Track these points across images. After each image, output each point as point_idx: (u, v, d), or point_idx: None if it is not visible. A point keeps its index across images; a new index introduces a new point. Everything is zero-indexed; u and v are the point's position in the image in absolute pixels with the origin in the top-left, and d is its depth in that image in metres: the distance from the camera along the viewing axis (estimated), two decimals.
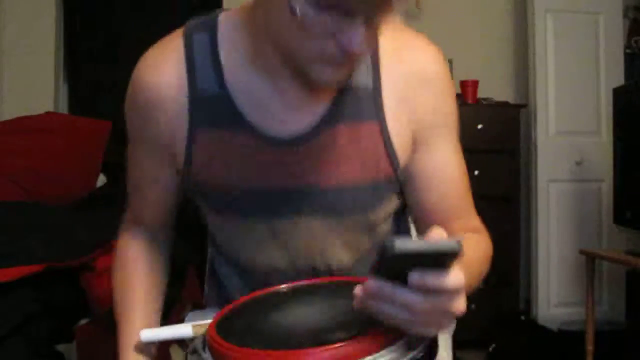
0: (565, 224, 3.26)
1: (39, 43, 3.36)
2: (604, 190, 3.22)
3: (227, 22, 0.85)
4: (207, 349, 0.69)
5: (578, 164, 3.25)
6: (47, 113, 2.83)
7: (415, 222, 0.95)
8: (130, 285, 0.95)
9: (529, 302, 3.36)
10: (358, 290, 0.59)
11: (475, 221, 0.92)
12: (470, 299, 0.64)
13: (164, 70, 0.84)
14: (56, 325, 1.74)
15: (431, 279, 0.55)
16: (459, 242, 0.54)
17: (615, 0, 3.33)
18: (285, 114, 0.83)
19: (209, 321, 0.88)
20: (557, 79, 3.28)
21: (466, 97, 3.23)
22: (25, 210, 2.03)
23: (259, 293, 0.82)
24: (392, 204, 0.93)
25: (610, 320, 3.10)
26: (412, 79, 0.85)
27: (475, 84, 3.25)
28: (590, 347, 2.58)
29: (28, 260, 1.66)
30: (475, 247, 0.83)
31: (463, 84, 3.24)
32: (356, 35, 0.68)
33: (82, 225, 2.02)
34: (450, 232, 0.89)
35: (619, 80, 3.25)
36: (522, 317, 3.30)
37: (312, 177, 0.84)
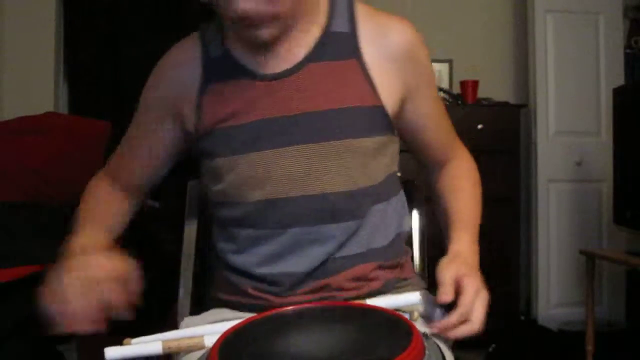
0: (565, 224, 3.26)
1: (39, 43, 3.35)
2: (604, 190, 3.23)
3: None
4: None
5: (578, 164, 3.25)
6: (47, 113, 2.82)
7: (417, 160, 1.17)
8: (93, 205, 1.13)
9: (529, 302, 3.36)
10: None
11: (461, 151, 1.16)
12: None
13: (183, 46, 1.07)
14: None
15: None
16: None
17: (615, 0, 3.33)
18: (273, 58, 0.99)
19: (182, 335, 0.88)
20: (557, 79, 3.28)
21: (466, 97, 3.22)
22: (25, 210, 2.03)
23: (261, 316, 0.82)
24: (384, 143, 1.02)
25: (610, 320, 3.11)
26: (394, 52, 1.00)
27: (475, 84, 3.24)
28: (590, 347, 2.58)
29: (28, 260, 1.66)
30: (468, 185, 1.11)
31: (463, 84, 3.23)
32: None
33: None
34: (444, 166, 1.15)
35: (619, 80, 3.25)
36: (522, 317, 3.30)
37: (301, 105, 0.97)
